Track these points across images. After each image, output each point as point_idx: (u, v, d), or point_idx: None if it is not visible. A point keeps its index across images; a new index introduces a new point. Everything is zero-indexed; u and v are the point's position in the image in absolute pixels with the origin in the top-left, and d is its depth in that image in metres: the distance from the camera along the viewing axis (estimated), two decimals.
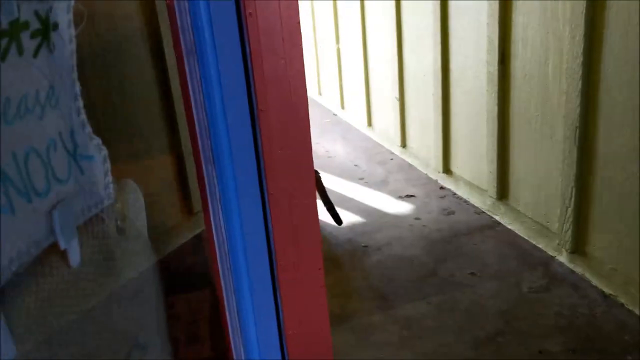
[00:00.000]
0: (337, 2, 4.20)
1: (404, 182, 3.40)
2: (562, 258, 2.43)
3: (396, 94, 3.55)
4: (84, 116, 0.63)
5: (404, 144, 3.64)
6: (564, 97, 2.21)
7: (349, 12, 4.02)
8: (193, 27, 0.79)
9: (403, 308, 2.28)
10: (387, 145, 3.89)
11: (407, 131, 3.58)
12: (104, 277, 0.62)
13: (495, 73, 2.57)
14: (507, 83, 2.55)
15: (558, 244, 2.42)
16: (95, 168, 0.61)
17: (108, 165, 0.62)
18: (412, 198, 3.19)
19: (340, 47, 4.32)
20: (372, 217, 3.03)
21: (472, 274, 2.45)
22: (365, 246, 2.75)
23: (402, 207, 3.10)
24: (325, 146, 4.08)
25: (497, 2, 2.46)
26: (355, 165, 3.71)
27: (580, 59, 2.09)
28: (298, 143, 1.08)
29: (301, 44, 1.08)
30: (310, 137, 1.19)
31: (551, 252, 2.50)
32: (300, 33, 1.07)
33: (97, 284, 0.61)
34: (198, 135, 0.88)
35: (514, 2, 2.41)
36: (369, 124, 4.09)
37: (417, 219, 2.97)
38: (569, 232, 2.33)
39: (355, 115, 4.32)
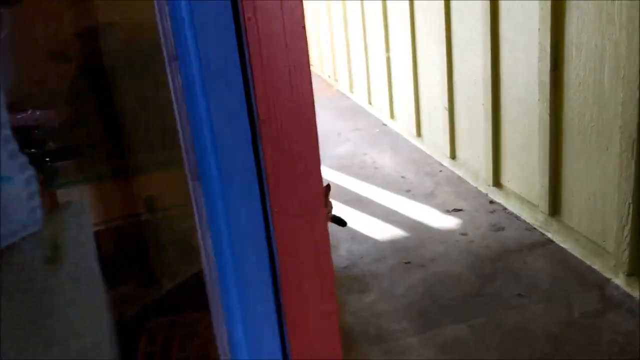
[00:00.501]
0: (387, 9, 4.11)
1: (452, 195, 3.26)
2: (619, 280, 2.25)
3: (445, 103, 3.42)
4: (7, 131, 0.57)
5: (453, 156, 3.50)
6: (621, 106, 2.04)
7: (398, 19, 3.92)
8: (175, 31, 0.73)
9: (444, 330, 2.16)
10: (436, 157, 3.76)
11: (457, 142, 3.44)
12: (25, 313, 0.56)
13: (547, 81, 2.42)
14: (560, 91, 2.39)
15: (614, 265, 2.24)
16: (13, 190, 0.55)
17: (35, 187, 0.56)
18: (460, 212, 3.05)
19: (390, 55, 4.22)
20: (416, 232, 2.91)
21: (520, 295, 2.30)
22: (408, 262, 2.64)
23: (449, 222, 2.97)
24: (373, 157, 3.98)
25: (549, 3, 2.31)
26: (402, 177, 3.59)
27: (638, 67, 1.92)
28: (305, 156, 1.01)
29: (307, 51, 1.00)
30: (319, 149, 1.11)
31: (607, 274, 2.31)
32: (305, 39, 1.00)
33: (13, 323, 0.55)
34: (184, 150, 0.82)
35: (567, 3, 2.25)
36: (418, 134, 3.97)
37: (464, 234, 2.83)
38: (626, 252, 2.15)
39: (404, 125, 4.20)
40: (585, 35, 2.18)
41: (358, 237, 2.92)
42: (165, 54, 0.77)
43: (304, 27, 0.98)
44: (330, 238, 2.71)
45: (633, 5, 1.90)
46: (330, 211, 2.63)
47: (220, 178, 0.79)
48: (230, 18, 0.78)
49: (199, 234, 0.86)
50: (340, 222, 2.88)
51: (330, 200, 2.62)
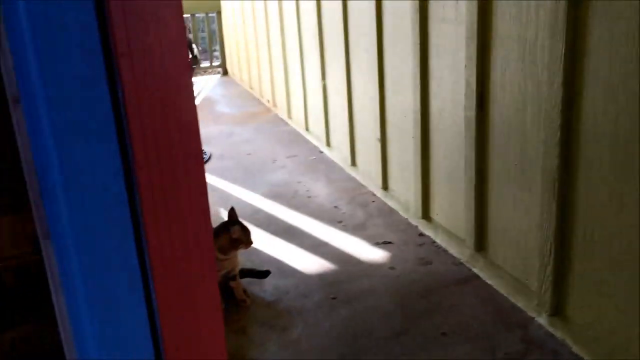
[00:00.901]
0: (324, 37, 4.09)
1: (383, 227, 3.22)
2: (542, 320, 2.24)
3: (378, 134, 3.40)
4: None
5: (385, 187, 3.48)
6: (543, 147, 2.05)
7: (334, 49, 3.91)
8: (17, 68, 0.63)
9: None
10: (370, 187, 3.73)
11: (389, 173, 3.42)
12: None
13: (473, 118, 2.42)
14: (485, 129, 2.39)
15: (537, 304, 2.23)
16: None
17: None
18: (390, 245, 3.01)
19: (326, 83, 4.19)
20: (345, 265, 2.85)
21: (444, 334, 2.26)
22: (334, 298, 2.57)
23: (378, 255, 2.92)
24: (307, 185, 3.92)
25: (475, 43, 2.32)
26: (335, 207, 3.54)
27: (559, 107, 1.94)
28: (191, 205, 0.92)
29: (192, 88, 0.92)
30: (208, 199, 1.03)
31: (531, 313, 2.31)
32: (189, 76, 0.92)
33: None
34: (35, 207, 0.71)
35: (492, 42, 2.27)
36: (353, 163, 3.94)
37: (392, 268, 2.78)
38: (549, 292, 2.14)
39: (340, 154, 4.17)
40: (509, 74, 2.20)
41: (285, 271, 2.83)
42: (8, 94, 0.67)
43: (186, 66, 0.90)
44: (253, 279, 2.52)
45: (555, 47, 1.91)
46: (248, 239, 2.54)
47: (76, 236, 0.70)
48: (98, 49, 0.69)
49: (53, 295, 0.76)
50: (262, 275, 2.77)
51: (244, 224, 2.55)
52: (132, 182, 0.78)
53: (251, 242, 2.54)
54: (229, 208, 2.58)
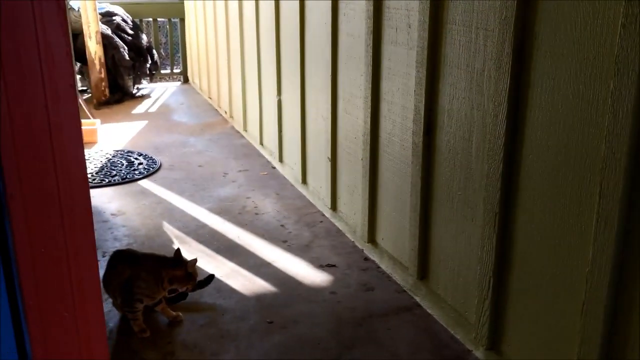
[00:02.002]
0: (281, 52, 4.03)
1: (329, 249, 3.15)
2: (479, 354, 2.20)
3: (328, 153, 3.35)
4: None
5: (334, 208, 3.42)
6: (485, 178, 2.01)
7: (290, 65, 3.85)
8: None
9: None
10: (319, 206, 3.66)
11: (338, 194, 3.36)
12: None
13: (420, 144, 2.38)
14: (433, 156, 2.36)
15: (475, 337, 2.19)
16: None
17: None
18: (333, 268, 2.94)
19: (281, 98, 4.13)
20: (285, 288, 2.77)
21: None
22: (270, 322, 2.48)
23: (320, 278, 2.85)
24: (255, 201, 3.83)
25: (425, 68, 2.29)
26: (282, 226, 3.46)
27: (502, 140, 1.91)
28: (73, 238, 0.83)
29: (78, 118, 0.83)
30: (94, 236, 0.94)
31: (468, 346, 2.26)
32: (75, 99, 0.83)
33: None
34: None
35: (442, 69, 2.24)
36: (304, 181, 3.87)
37: (333, 293, 2.71)
38: (486, 326, 2.10)
39: (291, 171, 4.10)
40: (457, 102, 2.17)
41: (224, 291, 2.73)
42: None
43: (72, 84, 0.82)
44: (191, 295, 2.43)
45: (501, 78, 1.89)
46: (194, 283, 2.45)
47: None
48: None
49: None
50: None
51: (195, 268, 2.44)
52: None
53: (194, 287, 2.47)
54: (175, 248, 2.48)
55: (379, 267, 2.93)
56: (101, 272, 2.63)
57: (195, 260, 2.41)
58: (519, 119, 1.86)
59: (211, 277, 2.72)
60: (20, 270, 0.76)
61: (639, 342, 1.53)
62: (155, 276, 2.34)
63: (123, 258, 2.46)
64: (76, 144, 0.85)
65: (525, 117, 1.83)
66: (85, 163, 0.85)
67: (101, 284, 2.38)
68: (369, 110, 2.78)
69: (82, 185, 0.88)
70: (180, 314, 2.49)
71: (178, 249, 2.46)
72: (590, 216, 1.61)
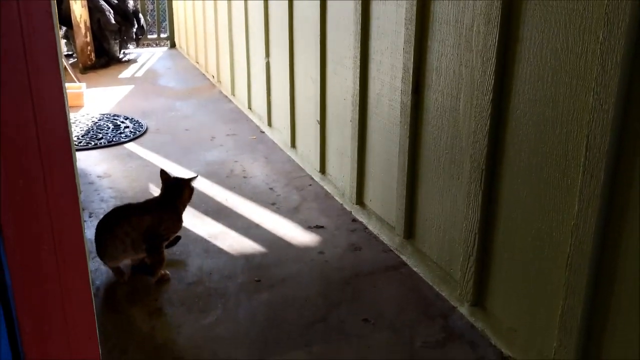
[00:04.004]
0: (269, 13, 3.97)
1: (317, 211, 3.15)
2: (464, 310, 2.22)
3: (317, 116, 3.32)
4: None
5: (323, 171, 3.41)
6: (472, 135, 2.01)
7: (278, 26, 3.80)
8: None
9: (282, 357, 2.02)
10: (307, 170, 3.65)
11: (327, 157, 3.35)
12: None
13: (409, 103, 2.37)
14: (420, 115, 2.35)
15: (460, 294, 2.21)
16: None
17: None
18: (321, 229, 2.94)
19: (269, 60, 4.08)
20: (274, 248, 2.77)
21: (366, 320, 2.21)
22: (259, 280, 2.49)
23: (309, 239, 2.85)
24: (244, 165, 3.81)
25: (414, 25, 2.26)
26: (270, 189, 3.45)
27: (490, 96, 1.90)
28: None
29: (62, 89, 0.81)
30: (78, 198, 0.92)
31: (453, 302, 2.29)
32: (58, 73, 0.81)
33: None
34: None
35: (430, 26, 2.21)
36: (293, 145, 3.85)
37: (321, 252, 2.72)
38: (471, 282, 2.12)
39: (280, 135, 4.08)
40: (445, 60, 2.15)
41: (212, 252, 2.73)
42: None
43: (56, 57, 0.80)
44: (180, 252, 2.49)
45: (489, 32, 1.87)
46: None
47: None
48: None
49: None
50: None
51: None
52: None
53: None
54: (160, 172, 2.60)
55: (366, 228, 2.94)
56: (90, 232, 2.61)
57: (195, 177, 2.61)
58: (507, 74, 1.85)
59: (177, 238, 2.70)
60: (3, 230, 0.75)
61: (623, 295, 1.55)
62: (174, 211, 2.49)
63: (121, 215, 2.42)
64: (58, 101, 0.83)
65: (514, 73, 1.82)
66: (68, 122, 0.83)
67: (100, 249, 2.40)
68: (358, 70, 2.75)
69: (64, 144, 0.86)
70: (168, 272, 2.50)
71: (162, 170, 2.59)
72: (576, 170, 1.61)
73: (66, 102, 0.89)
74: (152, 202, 2.53)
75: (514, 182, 1.87)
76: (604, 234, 1.57)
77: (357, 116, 2.83)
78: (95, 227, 2.46)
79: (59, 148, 0.83)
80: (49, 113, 0.81)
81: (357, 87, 2.79)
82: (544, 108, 1.71)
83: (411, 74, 2.32)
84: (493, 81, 1.87)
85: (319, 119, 3.33)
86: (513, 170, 1.87)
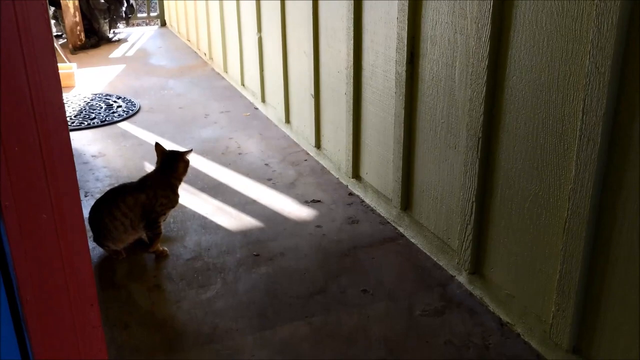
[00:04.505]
0: None
1: (314, 186, 3.15)
2: (462, 278, 2.24)
3: (312, 90, 3.30)
4: None
5: (318, 145, 3.40)
6: (469, 103, 2.00)
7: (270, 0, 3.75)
8: None
9: (281, 329, 2.03)
10: (303, 145, 3.64)
11: (322, 131, 3.34)
12: None
13: (404, 73, 2.35)
14: (415, 85, 2.33)
15: (458, 262, 2.22)
16: None
17: None
18: (318, 204, 2.95)
19: (262, 35, 4.04)
20: (271, 223, 2.77)
21: (365, 291, 2.22)
22: (257, 255, 2.50)
23: (306, 213, 2.86)
24: (238, 142, 3.79)
25: None
26: (266, 165, 3.44)
27: (485, 62, 1.89)
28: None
29: (56, 71, 0.80)
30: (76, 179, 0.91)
31: (451, 272, 2.30)
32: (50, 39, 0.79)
33: None
34: None
35: None
36: (287, 121, 3.84)
37: (318, 226, 2.73)
38: (469, 251, 2.13)
39: (274, 111, 4.05)
40: (440, 28, 2.13)
41: (209, 228, 2.73)
42: None
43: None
44: (178, 228, 2.49)
45: (484, 1, 1.85)
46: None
47: None
48: None
49: None
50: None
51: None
52: None
53: None
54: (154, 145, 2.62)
55: (363, 202, 2.94)
56: (86, 212, 2.61)
57: (190, 150, 2.61)
58: (502, 40, 1.84)
59: None
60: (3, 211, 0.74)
61: (621, 258, 1.56)
62: (168, 185, 2.48)
63: (117, 196, 2.41)
64: (53, 83, 0.82)
65: (509, 38, 1.81)
66: (63, 105, 0.82)
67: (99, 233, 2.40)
68: (352, 42, 2.73)
69: (61, 126, 0.85)
70: (166, 249, 2.50)
71: (157, 143, 2.61)
72: (573, 134, 1.61)
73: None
74: (146, 179, 2.51)
75: (511, 148, 1.87)
76: (601, 198, 1.57)
77: (351, 89, 2.82)
78: (90, 207, 2.45)
79: (52, 116, 0.82)
80: (44, 81, 0.80)
81: (351, 59, 2.77)
82: (540, 73, 1.71)
83: (405, 43, 2.31)
84: (488, 48, 1.86)
85: (313, 93, 3.31)
86: (510, 137, 1.87)
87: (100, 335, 0.90)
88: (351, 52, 2.76)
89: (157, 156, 2.54)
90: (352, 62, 2.77)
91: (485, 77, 1.89)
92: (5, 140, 0.76)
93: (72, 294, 0.88)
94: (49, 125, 0.81)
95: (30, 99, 0.79)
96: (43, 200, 0.81)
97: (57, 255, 0.86)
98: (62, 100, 0.84)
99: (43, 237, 0.82)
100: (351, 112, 2.86)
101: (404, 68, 2.35)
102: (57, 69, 0.80)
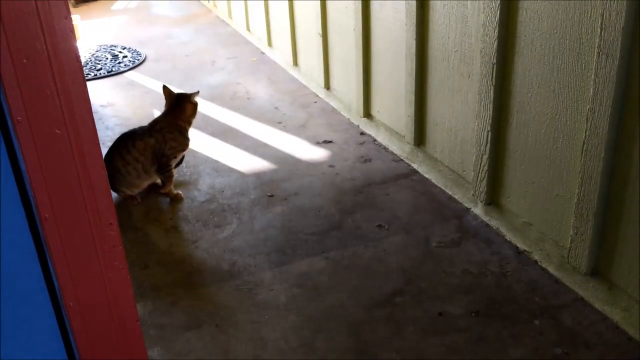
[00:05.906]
0: None
1: (324, 127, 3.13)
2: (478, 210, 2.23)
3: (319, 29, 3.24)
4: None
5: (328, 86, 3.36)
6: (482, 29, 1.95)
7: None
8: None
9: (298, 264, 2.05)
10: (312, 87, 3.60)
11: (331, 72, 3.28)
12: None
13: (414, 4, 2.29)
14: (426, 15, 2.27)
15: (473, 194, 2.21)
16: None
17: None
18: (330, 144, 2.93)
19: None
20: (284, 164, 2.77)
21: (380, 226, 2.23)
22: (271, 195, 2.50)
23: (318, 154, 2.84)
24: (247, 87, 3.75)
25: None
26: (276, 108, 3.41)
27: None
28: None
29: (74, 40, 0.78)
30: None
31: (467, 204, 2.29)
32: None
33: None
34: None
35: None
36: (295, 63, 3.78)
37: (331, 166, 2.72)
38: (484, 181, 2.12)
39: (282, 54, 3.99)
40: None
41: (222, 171, 2.73)
42: None
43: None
44: (191, 172, 2.48)
45: None
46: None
47: None
48: None
49: None
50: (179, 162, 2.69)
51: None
52: None
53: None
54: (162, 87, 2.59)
55: (375, 140, 2.91)
56: None
57: (197, 92, 2.58)
58: None
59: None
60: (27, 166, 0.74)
61: (639, 180, 1.54)
62: (177, 128, 2.46)
63: (127, 142, 2.41)
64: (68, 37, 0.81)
65: None
66: (79, 56, 0.82)
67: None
68: None
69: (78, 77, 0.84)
70: (180, 192, 2.50)
71: (164, 86, 2.58)
72: (591, 51, 1.57)
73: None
74: (155, 123, 2.49)
75: (526, 73, 1.83)
76: (620, 117, 1.54)
77: (360, 24, 2.75)
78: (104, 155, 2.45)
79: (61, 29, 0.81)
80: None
81: None
82: None
83: None
84: None
85: (320, 32, 3.24)
86: (525, 61, 1.82)
87: (121, 254, 0.90)
88: None
89: (165, 99, 2.52)
90: None
91: (498, 0, 1.83)
92: (14, 53, 0.74)
93: (91, 215, 0.88)
94: (57, 38, 0.80)
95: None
96: (56, 115, 0.80)
97: (74, 176, 0.85)
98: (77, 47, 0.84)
99: (58, 153, 0.81)
100: (360, 48, 2.81)
101: None
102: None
